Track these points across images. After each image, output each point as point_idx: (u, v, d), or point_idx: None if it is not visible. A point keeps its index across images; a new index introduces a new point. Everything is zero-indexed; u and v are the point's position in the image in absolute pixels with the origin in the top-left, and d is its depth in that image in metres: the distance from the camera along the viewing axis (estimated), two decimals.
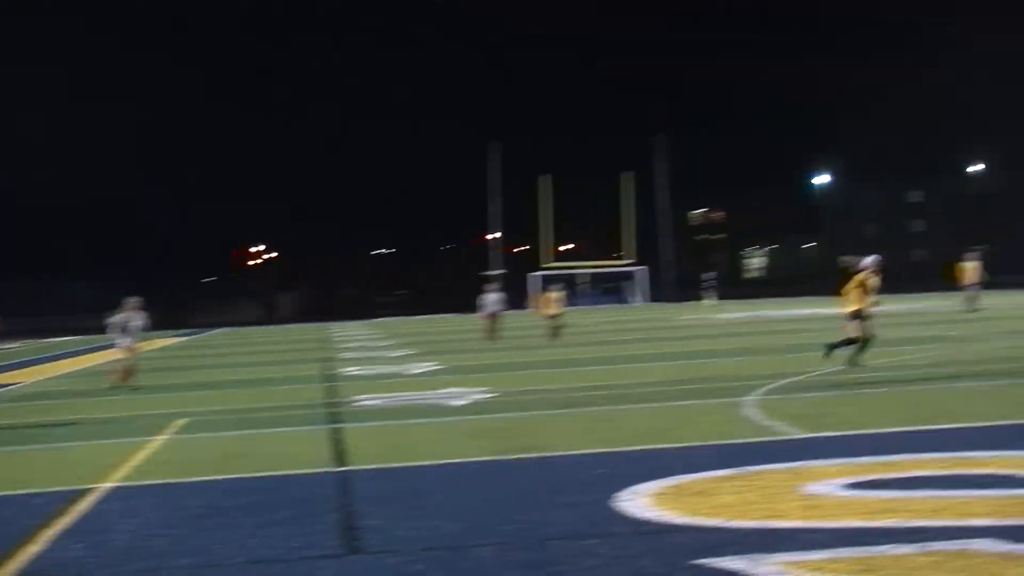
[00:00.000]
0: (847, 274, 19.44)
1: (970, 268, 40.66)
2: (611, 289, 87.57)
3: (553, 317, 34.35)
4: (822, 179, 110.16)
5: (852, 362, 18.57)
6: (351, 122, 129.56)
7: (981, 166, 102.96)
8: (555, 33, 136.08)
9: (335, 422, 14.51)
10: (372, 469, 10.71)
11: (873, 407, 13.70)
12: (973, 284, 40.37)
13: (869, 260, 19.21)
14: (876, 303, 18.95)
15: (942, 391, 15.00)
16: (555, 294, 35.52)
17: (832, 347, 18.94)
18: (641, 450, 11.08)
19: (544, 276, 78.04)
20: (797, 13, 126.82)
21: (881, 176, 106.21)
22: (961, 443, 10.46)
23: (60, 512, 9.09)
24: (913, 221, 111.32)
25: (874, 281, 19.06)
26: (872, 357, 18.99)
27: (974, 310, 37.72)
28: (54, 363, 33.64)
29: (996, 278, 46.47)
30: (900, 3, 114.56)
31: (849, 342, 18.83)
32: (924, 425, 11.82)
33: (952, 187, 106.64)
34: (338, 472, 10.55)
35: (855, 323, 18.76)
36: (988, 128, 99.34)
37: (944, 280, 45.98)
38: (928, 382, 16.10)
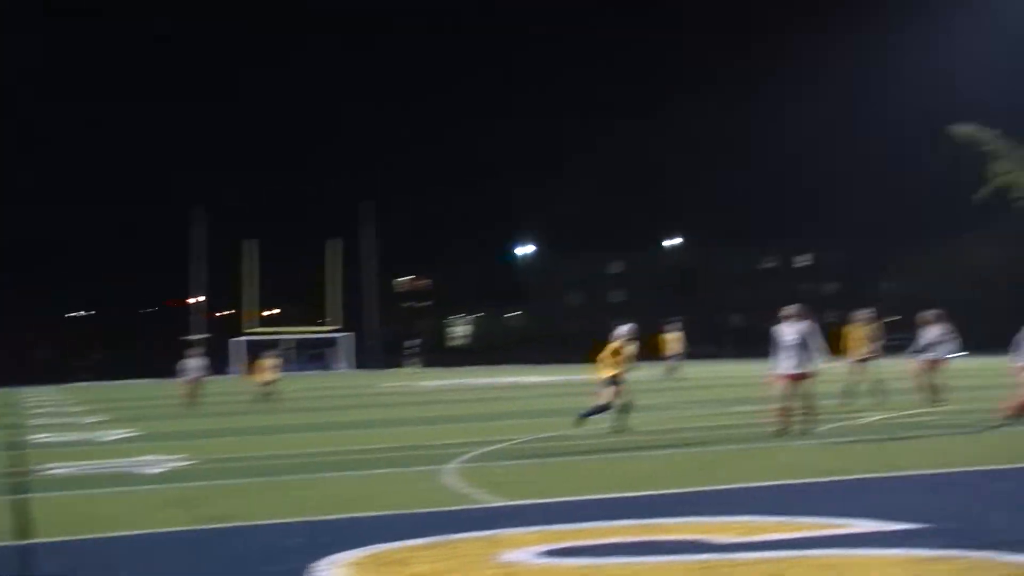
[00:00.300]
0: (603, 343, 19.95)
1: (672, 339, 42.10)
2: (316, 355, 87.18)
3: (267, 384, 34.33)
4: (526, 249, 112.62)
5: (618, 429, 19.01)
6: (47, 178, 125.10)
7: (679, 240, 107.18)
8: (265, 97, 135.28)
9: (19, 492, 13.82)
10: (59, 542, 10.22)
11: (571, 474, 13.96)
12: (675, 354, 41.80)
13: (624, 329, 19.80)
14: (631, 369, 19.56)
15: (638, 459, 15.39)
16: (270, 360, 35.50)
17: (586, 415, 19.25)
18: (341, 518, 10.96)
19: (249, 341, 77.20)
20: (500, 84, 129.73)
21: (583, 247, 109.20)
22: (654, 509, 10.75)
23: None
24: (614, 291, 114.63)
25: (629, 349, 19.63)
26: (564, 426, 19.43)
27: (675, 380, 39.00)
28: None
29: (694, 349, 48.32)
30: (603, 81, 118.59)
31: (601, 408, 19.23)
32: (620, 492, 12.08)
33: (652, 259, 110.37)
34: (20, 546, 10.03)
35: (610, 389, 19.22)
36: (685, 202, 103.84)
37: (645, 350, 47.49)
38: (625, 450, 16.49)
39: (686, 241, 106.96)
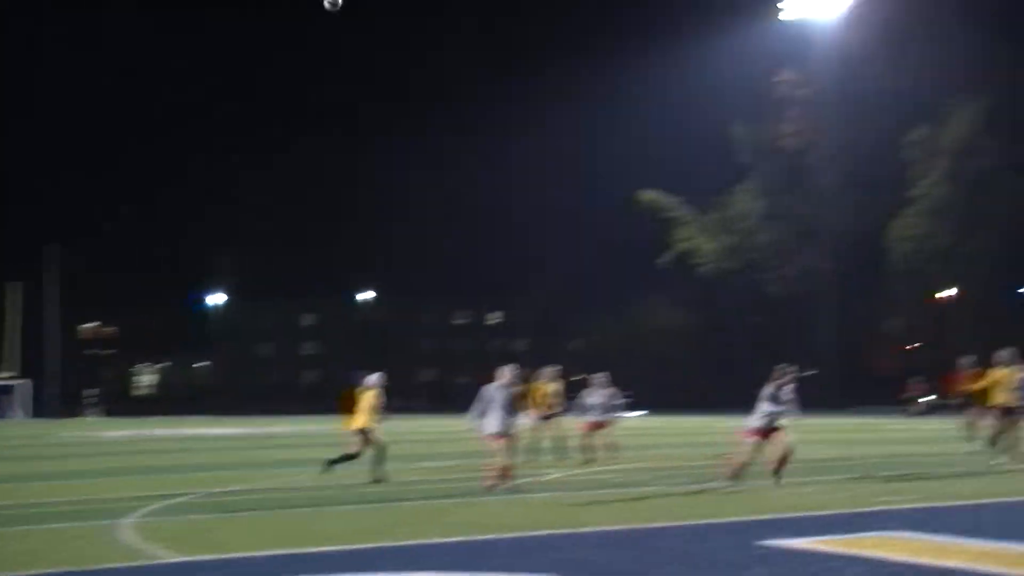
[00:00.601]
0: (351, 392, 19.92)
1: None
2: None
3: None
4: (216, 298, 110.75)
5: (377, 477, 19.08)
6: None
7: (372, 294, 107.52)
8: None
9: None
10: None
11: (253, 529, 13.71)
12: None
13: (374, 378, 19.83)
14: (381, 419, 19.65)
15: (323, 514, 15.24)
16: None
17: (332, 462, 19.43)
18: None
19: None
20: (197, 126, 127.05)
21: (275, 297, 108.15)
22: (335, 565, 10.64)
23: None
24: (306, 344, 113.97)
25: (380, 398, 19.68)
26: (250, 480, 19.17)
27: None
28: None
29: (386, 403, 48.40)
30: (297, 134, 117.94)
31: (349, 457, 19.37)
32: (301, 547, 11.90)
33: (344, 312, 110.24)
34: None
35: (359, 438, 19.38)
36: (379, 257, 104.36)
37: (339, 403, 47.38)
38: (309, 506, 16.27)
39: (379, 295, 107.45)
